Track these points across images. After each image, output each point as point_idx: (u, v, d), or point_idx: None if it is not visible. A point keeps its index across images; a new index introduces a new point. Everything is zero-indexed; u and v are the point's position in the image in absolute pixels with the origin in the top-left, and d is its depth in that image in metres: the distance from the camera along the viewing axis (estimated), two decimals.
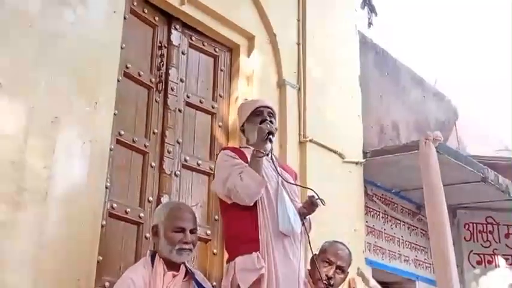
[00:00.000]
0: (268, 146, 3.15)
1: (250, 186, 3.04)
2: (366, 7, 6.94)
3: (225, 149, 3.42)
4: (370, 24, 7.01)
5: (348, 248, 3.69)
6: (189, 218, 3.02)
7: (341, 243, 3.69)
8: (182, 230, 2.95)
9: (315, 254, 3.48)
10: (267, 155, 3.15)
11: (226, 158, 3.22)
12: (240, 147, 3.43)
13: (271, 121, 3.29)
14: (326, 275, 3.49)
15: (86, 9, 3.57)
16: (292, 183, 3.31)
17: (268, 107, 3.38)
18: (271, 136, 3.13)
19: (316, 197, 3.16)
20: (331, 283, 3.50)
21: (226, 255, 3.95)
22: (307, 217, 3.28)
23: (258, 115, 3.32)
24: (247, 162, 3.17)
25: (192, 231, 3.00)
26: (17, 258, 2.96)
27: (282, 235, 3.09)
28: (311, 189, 3.29)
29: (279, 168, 3.26)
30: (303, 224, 3.21)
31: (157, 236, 2.99)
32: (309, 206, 3.20)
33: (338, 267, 3.55)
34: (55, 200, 3.17)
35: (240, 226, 3.11)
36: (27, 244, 3.02)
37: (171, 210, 3.04)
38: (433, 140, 4.34)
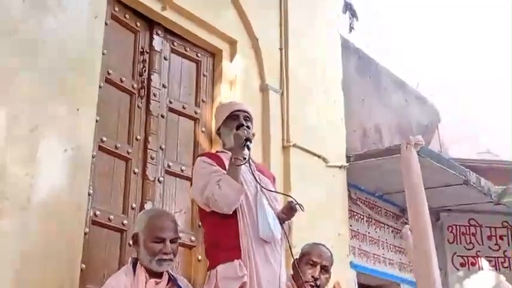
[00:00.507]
0: (246, 152, 3.11)
1: (229, 195, 3.01)
2: (347, 12, 6.98)
3: (202, 155, 3.36)
4: (351, 28, 7.05)
5: (328, 249, 3.71)
6: (169, 227, 2.97)
7: (321, 244, 3.71)
8: (162, 241, 2.90)
9: (297, 258, 3.50)
10: (246, 162, 3.11)
11: (204, 165, 3.17)
12: (217, 151, 3.39)
13: (247, 126, 3.24)
14: (312, 276, 3.50)
15: (66, 14, 3.54)
16: (271, 191, 3.28)
17: (244, 111, 3.34)
18: (248, 143, 3.10)
19: (295, 203, 3.16)
20: (318, 284, 3.52)
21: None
22: (287, 222, 3.28)
23: (235, 119, 3.27)
24: (224, 167, 3.13)
25: (173, 241, 2.95)
26: None
27: (263, 241, 3.08)
28: (289, 196, 3.29)
29: (256, 174, 3.23)
30: (283, 229, 3.21)
31: (137, 245, 2.95)
32: (288, 211, 3.20)
33: (322, 268, 3.56)
34: (37, 208, 3.14)
35: (220, 233, 3.09)
36: (9, 252, 2.98)
37: (151, 218, 2.99)
38: (414, 145, 4.37)
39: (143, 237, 2.92)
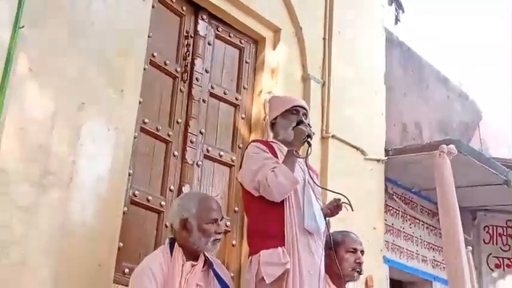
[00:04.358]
0: (305, 147, 3.21)
1: (284, 184, 3.06)
2: (393, 3, 6.89)
3: (255, 141, 3.44)
4: (397, 20, 6.96)
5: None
6: (218, 208, 3.06)
7: (348, 231, 3.73)
8: (215, 221, 2.98)
9: (332, 247, 3.51)
10: (306, 157, 3.21)
11: (257, 151, 3.22)
12: (269, 141, 3.42)
13: (308, 123, 3.32)
14: (358, 262, 3.55)
15: None
16: (323, 188, 3.43)
17: (304, 108, 3.41)
18: (309, 139, 3.20)
19: (343, 202, 3.20)
20: (361, 268, 3.59)
21: (245, 246, 3.96)
22: (327, 218, 3.30)
23: (294, 114, 3.34)
24: (276, 156, 3.20)
25: (221, 220, 3.04)
26: (39, 240, 2.99)
27: (307, 232, 3.13)
28: (341, 194, 3.29)
29: (310, 172, 3.32)
30: (326, 223, 3.26)
31: (186, 229, 2.94)
32: (335, 208, 3.23)
33: (361, 252, 3.63)
34: (79, 185, 3.20)
35: (265, 220, 3.12)
36: (50, 227, 3.05)
37: (201, 201, 3.03)
38: (448, 153, 4.33)
39: (196, 221, 2.95)
